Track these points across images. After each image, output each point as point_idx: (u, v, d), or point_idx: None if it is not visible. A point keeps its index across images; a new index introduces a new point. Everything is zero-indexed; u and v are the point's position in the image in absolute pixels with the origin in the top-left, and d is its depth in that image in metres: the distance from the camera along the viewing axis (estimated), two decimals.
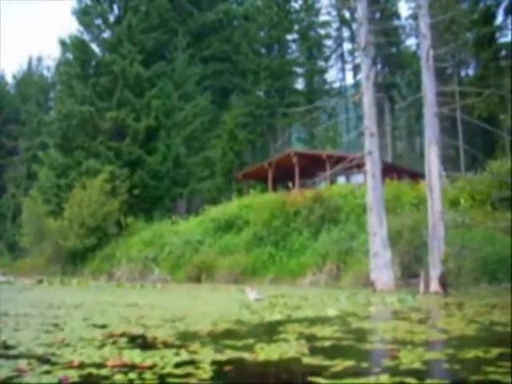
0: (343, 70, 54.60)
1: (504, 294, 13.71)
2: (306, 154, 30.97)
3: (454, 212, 20.73)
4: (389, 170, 27.94)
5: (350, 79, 55.85)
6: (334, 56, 53.71)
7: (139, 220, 30.38)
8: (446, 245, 14.05)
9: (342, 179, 35.61)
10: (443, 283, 13.64)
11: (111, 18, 34.77)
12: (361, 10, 15.71)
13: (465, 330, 6.65)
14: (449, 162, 51.57)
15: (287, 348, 5.47)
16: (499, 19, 39.60)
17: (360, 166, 15.47)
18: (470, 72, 49.51)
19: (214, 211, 26.40)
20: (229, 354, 5.27)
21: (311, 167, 29.79)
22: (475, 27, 38.26)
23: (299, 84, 53.96)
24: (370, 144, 15.10)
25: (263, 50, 51.32)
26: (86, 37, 34.39)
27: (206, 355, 5.22)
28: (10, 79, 63.20)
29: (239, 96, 45.37)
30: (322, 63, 52.53)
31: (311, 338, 6.13)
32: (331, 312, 9.04)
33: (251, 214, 24.38)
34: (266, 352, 5.30)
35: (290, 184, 28.45)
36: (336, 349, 5.52)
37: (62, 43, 34.12)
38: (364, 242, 18.44)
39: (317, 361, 4.83)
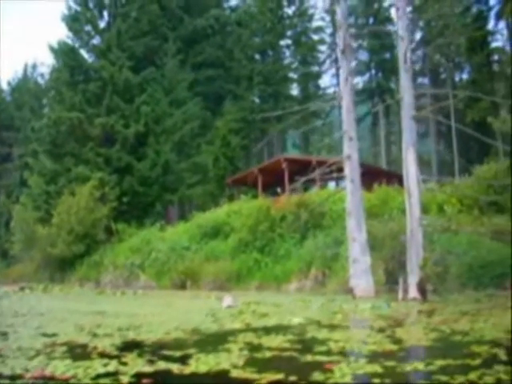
0: (337, 75, 54.36)
1: (485, 300, 13.45)
2: (295, 159, 30.74)
3: (442, 217, 20.60)
4: (378, 175, 27.75)
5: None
6: (327, 61, 53.57)
7: (132, 227, 30.13)
8: (425, 250, 13.76)
9: (332, 184, 35.43)
10: (422, 289, 13.35)
11: (101, 25, 34.63)
12: (340, 14, 15.55)
13: (421, 340, 6.43)
14: (444, 166, 51.54)
15: (224, 359, 5.27)
16: (491, 24, 39.47)
17: (340, 170, 15.27)
18: (465, 76, 49.43)
19: (202, 217, 26.14)
20: (158, 366, 5.08)
21: (301, 173, 29.51)
22: (467, 31, 38.14)
23: (293, 90, 53.86)
24: (349, 148, 14.88)
25: (257, 56, 51.25)
26: (76, 43, 34.24)
27: (134, 367, 5.02)
28: (5, 86, 63.05)
29: (232, 102, 45.26)
30: (315, 68, 52.38)
31: (256, 349, 5.92)
32: (295, 320, 8.81)
33: (238, 220, 24.13)
34: (199, 364, 5.10)
35: (279, 189, 28.22)
36: (274, 361, 5.31)
37: (52, 49, 33.97)
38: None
39: (246, 374, 4.63)
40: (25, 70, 67.34)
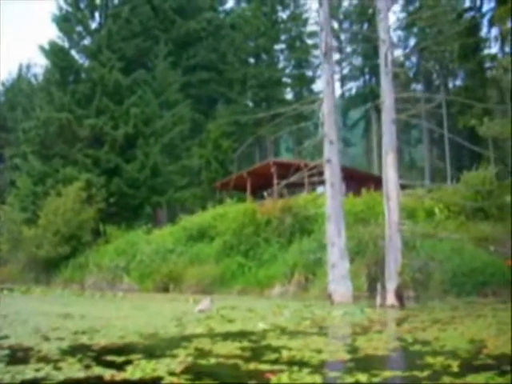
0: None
1: (462, 307, 13.27)
2: (284, 163, 30.51)
3: (429, 223, 20.44)
4: (367, 180, 27.57)
5: (338, 89, 55.45)
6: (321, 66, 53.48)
7: (121, 229, 29.88)
8: (404, 256, 13.56)
9: (321, 189, 35.26)
10: (400, 296, 13.14)
11: (92, 25, 34.49)
12: (322, 15, 15.41)
13: (379, 349, 6.22)
14: (437, 173, 51.43)
15: (163, 366, 5.09)
16: (484, 31, 39.43)
17: (321, 174, 15.09)
18: (458, 83, 49.35)
19: (187, 220, 25.95)
20: (93, 372, 4.87)
21: (290, 176, 29.35)
22: (460, 38, 38.09)
23: (287, 94, 53.69)
24: (329, 152, 14.70)
25: (252, 60, 51.13)
26: (67, 44, 34.07)
27: (67, 372, 4.82)
28: None
29: (225, 105, 45.15)
30: (309, 73, 52.30)
31: (203, 355, 5.73)
32: (260, 326, 8.62)
33: (224, 223, 23.93)
34: (136, 370, 4.92)
35: (266, 193, 28.02)
36: (214, 368, 5.13)
37: (42, 50, 33.79)
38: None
39: (179, 381, 4.46)
40: (19, 71, 67.22)
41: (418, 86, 50.49)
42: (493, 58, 36.59)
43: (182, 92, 38.71)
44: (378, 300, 13.34)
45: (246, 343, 6.65)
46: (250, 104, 49.52)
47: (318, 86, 55.97)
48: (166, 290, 21.86)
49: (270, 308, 12.64)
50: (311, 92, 52.22)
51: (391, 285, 13.15)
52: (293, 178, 15.35)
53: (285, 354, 5.77)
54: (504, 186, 27.34)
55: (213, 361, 5.37)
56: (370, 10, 50.99)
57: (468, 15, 40.44)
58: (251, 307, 12.64)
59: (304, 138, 60.41)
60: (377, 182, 29.56)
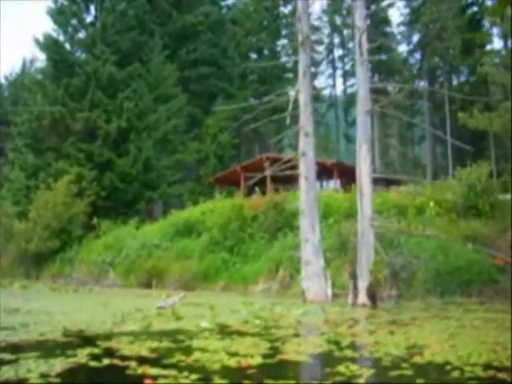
0: (333, 76, 53.73)
1: (438, 307, 12.76)
2: (277, 158, 30.02)
3: (419, 220, 19.88)
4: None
5: (340, 85, 54.91)
6: (324, 62, 52.84)
7: (118, 223, 29.56)
8: (377, 253, 13.03)
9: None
10: (372, 295, 12.63)
11: (87, 18, 34.19)
12: (300, 5, 14.93)
13: (302, 353, 5.73)
14: (440, 170, 50.67)
15: (44, 367, 4.67)
16: (486, 26, 38.63)
17: (295, 168, 14.56)
18: (462, 79, 48.57)
19: (176, 215, 25.57)
20: None
21: (282, 171, 28.89)
22: (462, 33, 37.39)
23: (290, 90, 53.11)
24: (305, 144, 14.22)
25: (254, 55, 50.65)
26: (62, 37, 33.80)
27: None
28: (3, 80, 62.99)
29: (225, 100, 44.69)
30: (311, 69, 51.61)
31: (105, 356, 5.34)
32: (203, 325, 8.23)
33: (212, 218, 23.53)
34: (9, 371, 4.48)
35: (257, 189, 27.56)
36: (98, 372, 4.72)
37: (37, 43, 33.54)
38: None
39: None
40: (23, 65, 67.37)
41: (422, 83, 49.77)
42: (495, 53, 35.81)
43: (181, 87, 38.33)
44: (350, 299, 12.85)
45: (165, 343, 6.25)
46: (251, 99, 49.03)
47: (320, 81, 55.50)
48: (148, 285, 21.49)
49: (235, 305, 12.22)
50: (313, 88, 51.61)
51: (363, 283, 12.65)
52: (267, 172, 14.84)
53: (194, 356, 5.36)
54: (498, 184, 26.74)
55: (106, 362, 4.98)
56: (373, 6, 50.49)
57: (471, 11, 39.69)
58: (217, 304, 12.21)
59: None
60: (387, 181, 29.22)
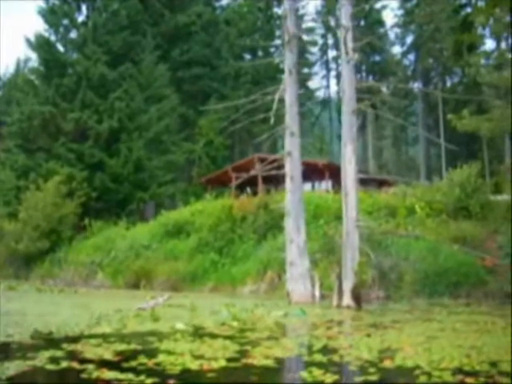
0: (327, 77, 53.63)
1: (424, 309, 12.63)
2: (268, 158, 29.91)
3: (410, 221, 19.77)
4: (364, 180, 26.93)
5: (334, 86, 54.78)
6: (318, 63, 52.77)
7: (110, 224, 29.36)
8: (361, 254, 12.89)
9: (308, 186, 34.55)
10: (356, 296, 12.48)
11: (79, 18, 33.99)
12: (287, 4, 14.80)
13: (269, 357, 5.51)
14: (434, 172, 50.61)
15: None
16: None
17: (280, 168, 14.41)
18: (456, 80, 48.53)
19: (166, 216, 25.40)
20: None
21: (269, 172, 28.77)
22: (454, 34, 37.30)
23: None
24: (290, 144, 14.10)
25: (248, 56, 50.52)
26: (53, 37, 33.58)
27: None
28: None
29: (218, 101, 44.45)
30: (305, 70, 51.56)
31: (64, 359, 5.16)
32: (178, 326, 8.07)
33: (201, 219, 23.37)
34: None
35: (248, 189, 27.43)
36: (50, 374, 4.55)
37: (29, 42, 33.34)
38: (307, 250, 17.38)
39: None
40: (17, 65, 67.01)
41: (416, 84, 49.69)
42: (488, 54, 35.72)
43: (175, 87, 38.15)
44: (335, 300, 12.71)
45: (133, 345, 6.10)
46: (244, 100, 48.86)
47: (314, 83, 55.42)
48: (136, 286, 21.31)
49: (218, 307, 12.05)
50: (307, 89, 51.55)
51: (347, 284, 12.50)
52: (253, 172, 14.70)
53: (158, 359, 5.22)
54: (490, 184, 26.63)
55: (64, 365, 4.83)
56: (367, 7, 50.40)
57: (464, 12, 39.61)
58: (199, 305, 12.03)
59: (302, 135, 59.89)
60: (364, 180, 29.07)
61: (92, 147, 31.21)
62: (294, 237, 13.81)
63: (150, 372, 4.55)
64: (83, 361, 5.04)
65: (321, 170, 28.90)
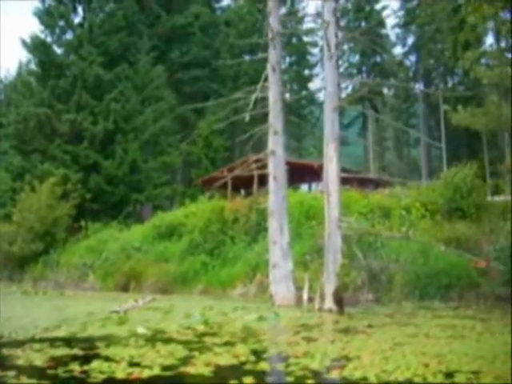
0: None
1: (408, 313, 12.26)
2: (264, 159, 29.61)
3: (402, 222, 19.39)
4: (349, 180, 26.58)
5: None
6: (318, 64, 52.35)
7: (106, 226, 29.16)
8: (344, 255, 12.50)
9: (304, 187, 34.23)
10: (338, 300, 12.10)
11: (75, 20, 33.84)
12: (271, 0, 14.51)
13: (210, 365, 5.21)
14: (435, 173, 50.07)
15: None
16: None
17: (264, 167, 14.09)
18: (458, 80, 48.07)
19: (159, 218, 25.13)
20: None
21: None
22: (455, 34, 36.89)
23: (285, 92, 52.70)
24: (274, 143, 13.79)
25: (247, 57, 50.23)
26: (49, 38, 33.45)
27: None
28: None
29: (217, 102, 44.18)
30: (306, 71, 51.29)
31: None
32: (139, 330, 7.78)
33: (193, 221, 23.09)
34: None
35: (242, 191, 27.14)
36: None
37: (24, 44, 33.22)
38: (296, 253, 17.06)
39: None
40: (19, 68, 67.11)
41: (417, 85, 49.28)
42: (488, 54, 35.26)
43: (174, 89, 37.98)
44: (317, 304, 12.35)
45: (75, 350, 5.82)
46: (242, 101, 48.58)
47: (315, 84, 55.04)
48: (126, 289, 21.03)
49: (196, 309, 11.74)
50: (307, 90, 51.26)
51: (329, 287, 12.13)
52: (237, 172, 14.40)
53: (90, 366, 4.92)
54: (490, 186, 26.17)
55: None
56: (367, 8, 50.10)
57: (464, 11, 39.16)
58: (178, 308, 11.75)
59: (302, 137, 59.47)
60: (361, 181, 28.74)
61: (87, 149, 31.00)
62: (277, 238, 13.49)
63: (69, 381, 4.25)
64: (9, 367, 4.75)
65: (317, 172, 28.56)
